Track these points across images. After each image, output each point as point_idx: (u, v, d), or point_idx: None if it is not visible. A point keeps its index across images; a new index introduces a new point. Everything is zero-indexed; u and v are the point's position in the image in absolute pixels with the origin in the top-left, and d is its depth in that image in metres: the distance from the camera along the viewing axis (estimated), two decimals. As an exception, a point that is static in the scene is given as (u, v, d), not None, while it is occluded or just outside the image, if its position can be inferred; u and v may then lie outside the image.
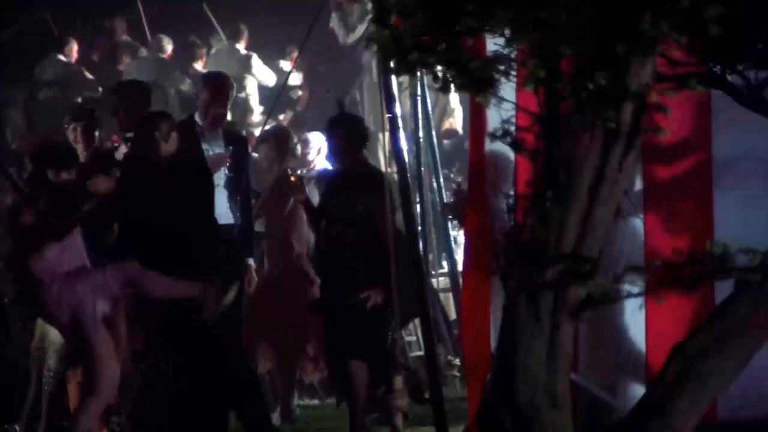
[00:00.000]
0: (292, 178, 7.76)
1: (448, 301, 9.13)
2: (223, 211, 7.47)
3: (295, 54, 11.42)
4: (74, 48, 12.13)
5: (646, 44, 3.85)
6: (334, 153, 7.66)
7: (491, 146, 6.36)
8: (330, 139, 7.65)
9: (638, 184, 6.65)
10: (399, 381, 7.29)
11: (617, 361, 6.81)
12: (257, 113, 11.92)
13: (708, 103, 6.61)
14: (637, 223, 6.62)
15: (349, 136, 7.51)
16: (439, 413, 6.58)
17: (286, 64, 12.16)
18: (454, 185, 9.27)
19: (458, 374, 8.71)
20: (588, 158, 4.05)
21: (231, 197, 7.52)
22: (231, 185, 7.51)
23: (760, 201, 6.78)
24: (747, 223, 6.60)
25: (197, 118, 7.63)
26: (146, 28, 12.69)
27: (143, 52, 12.44)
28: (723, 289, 4.47)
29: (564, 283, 4.08)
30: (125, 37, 12.59)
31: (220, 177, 7.48)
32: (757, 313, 4.14)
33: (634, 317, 6.68)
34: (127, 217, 7.16)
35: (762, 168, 6.82)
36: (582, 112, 4.03)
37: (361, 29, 11.78)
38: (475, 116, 6.55)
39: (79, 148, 7.46)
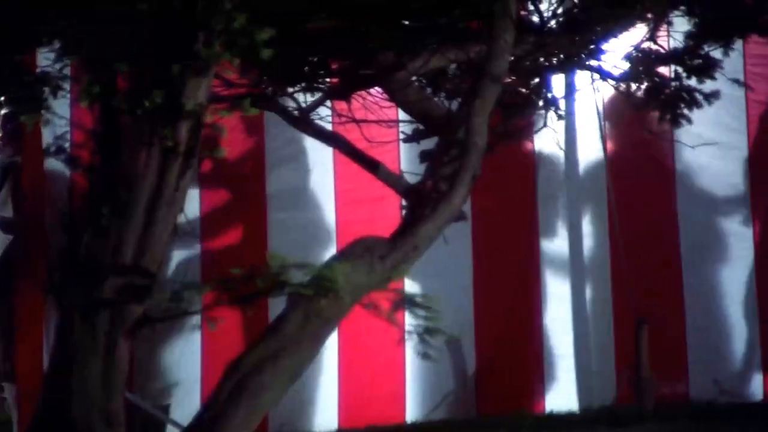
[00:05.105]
0: None
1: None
2: None
3: None
4: None
5: (201, 64, 3.90)
6: None
7: (47, 162, 6.26)
8: None
9: (195, 203, 6.73)
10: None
11: (172, 379, 6.84)
12: None
13: (261, 124, 6.78)
14: (194, 241, 6.68)
15: None
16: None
17: None
18: None
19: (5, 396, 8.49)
20: (145, 176, 4.04)
21: None
22: None
23: (309, 219, 7.02)
24: (299, 241, 6.81)
25: None
26: None
27: None
28: (277, 305, 4.60)
29: (121, 301, 4.06)
30: None
31: None
32: (308, 328, 4.26)
33: (191, 335, 6.74)
34: None
35: (314, 190, 7.07)
36: (139, 129, 4.03)
37: None
38: (28, 132, 6.42)
39: None
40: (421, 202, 4.31)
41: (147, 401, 6.64)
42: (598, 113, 7.27)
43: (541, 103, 5.43)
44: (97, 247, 4.04)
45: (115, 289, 4.02)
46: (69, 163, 4.35)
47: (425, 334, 4.03)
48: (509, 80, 5.04)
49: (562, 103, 5.56)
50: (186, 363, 6.80)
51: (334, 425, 7.08)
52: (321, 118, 5.32)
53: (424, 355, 3.99)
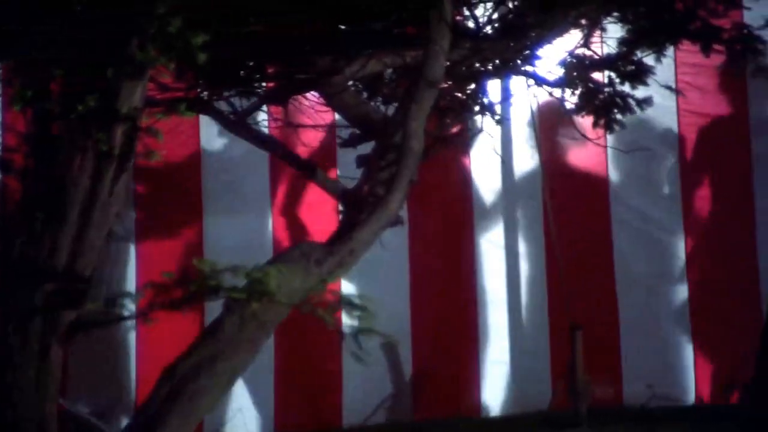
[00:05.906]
0: None
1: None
2: None
3: None
4: None
5: (136, 68, 3.88)
6: None
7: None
8: None
9: (130, 207, 6.69)
10: None
11: (107, 385, 6.80)
12: None
13: (197, 127, 6.76)
14: (129, 246, 6.65)
15: None
16: None
17: None
18: None
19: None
20: (80, 180, 4.02)
21: None
22: None
23: (245, 223, 7.01)
24: (236, 244, 6.79)
25: None
26: None
27: None
28: (213, 310, 4.59)
29: (54, 306, 4.03)
30: None
31: None
32: (244, 332, 4.25)
33: (125, 341, 6.70)
34: None
35: (251, 195, 7.06)
36: (72, 133, 4.00)
37: None
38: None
39: None
40: (358, 206, 4.31)
41: (81, 407, 6.60)
42: (533, 118, 7.32)
43: (477, 108, 5.46)
44: (31, 251, 4.01)
45: (48, 294, 3.99)
46: (1, 168, 4.30)
47: (359, 333, 4.01)
48: (445, 85, 5.06)
49: (498, 109, 5.59)
50: (120, 369, 6.76)
51: (270, 430, 7.07)
52: (257, 123, 5.32)
53: (358, 358, 3.98)
